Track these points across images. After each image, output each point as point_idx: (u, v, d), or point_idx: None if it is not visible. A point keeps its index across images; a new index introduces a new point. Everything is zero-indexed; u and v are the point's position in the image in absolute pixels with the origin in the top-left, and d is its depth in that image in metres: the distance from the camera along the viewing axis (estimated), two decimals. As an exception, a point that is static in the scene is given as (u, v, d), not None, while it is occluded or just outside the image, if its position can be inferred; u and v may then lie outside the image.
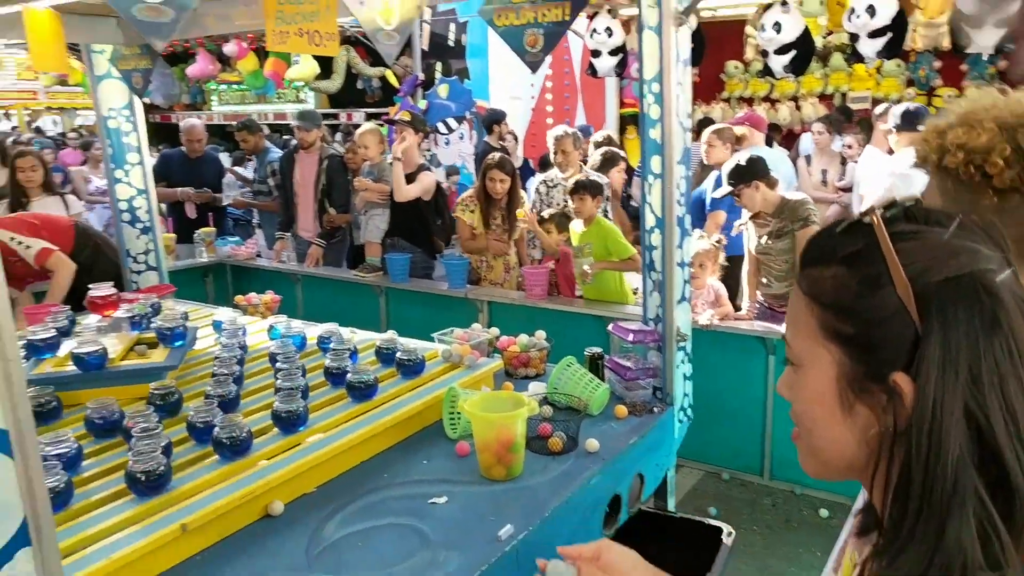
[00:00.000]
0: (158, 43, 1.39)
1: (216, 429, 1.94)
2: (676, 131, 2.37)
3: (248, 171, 6.60)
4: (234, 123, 11.22)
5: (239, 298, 3.50)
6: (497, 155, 4.55)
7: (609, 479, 2.22)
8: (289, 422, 2.09)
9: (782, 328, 3.24)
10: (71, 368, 2.31)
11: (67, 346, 2.43)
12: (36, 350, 2.45)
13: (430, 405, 2.38)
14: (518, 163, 5.11)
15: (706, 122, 6.27)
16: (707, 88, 9.07)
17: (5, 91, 16.84)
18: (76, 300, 3.15)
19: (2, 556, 0.84)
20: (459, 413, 2.31)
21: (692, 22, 2.39)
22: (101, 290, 2.54)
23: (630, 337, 2.54)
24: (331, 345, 2.67)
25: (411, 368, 2.52)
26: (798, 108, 8.73)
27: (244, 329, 2.88)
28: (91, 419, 2.08)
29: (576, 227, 4.25)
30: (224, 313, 3.25)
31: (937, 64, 7.90)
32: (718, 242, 4.12)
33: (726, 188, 3.91)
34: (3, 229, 3.52)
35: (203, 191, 5.70)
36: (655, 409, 2.55)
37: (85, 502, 1.77)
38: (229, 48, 9.73)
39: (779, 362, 3.62)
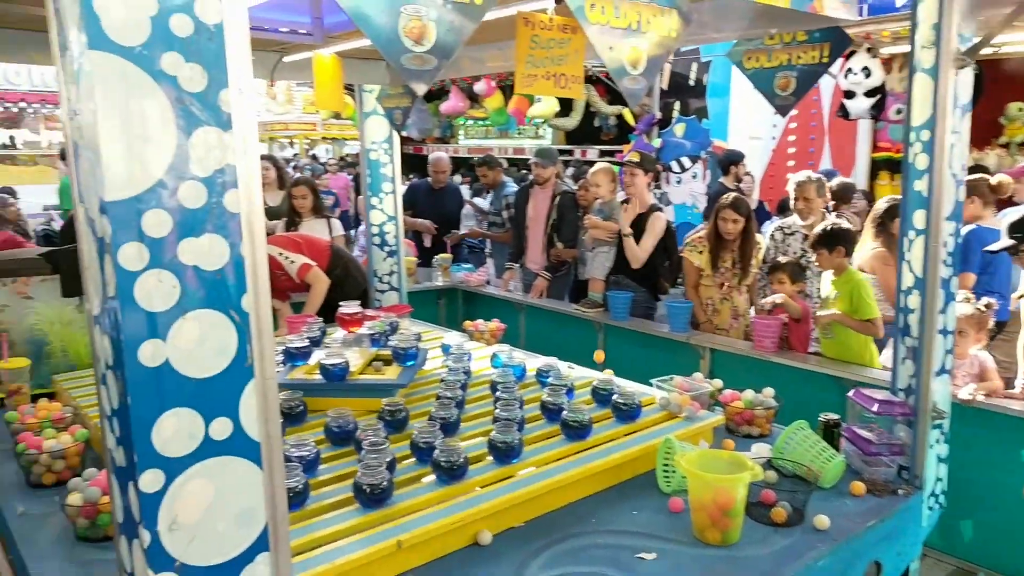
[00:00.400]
0: (419, 88, 1.49)
1: (436, 451, 2.01)
2: (947, 184, 2.10)
3: (485, 203, 6.97)
4: (476, 157, 12.04)
5: (468, 323, 3.66)
6: (732, 195, 4.38)
7: (839, 562, 1.99)
8: (504, 453, 2.13)
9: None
10: (318, 377, 2.54)
11: (316, 356, 2.68)
12: (292, 357, 2.73)
13: (644, 453, 2.30)
14: (753, 206, 4.86)
15: (976, 170, 5.55)
16: (980, 132, 8.07)
17: (292, 123, 19.48)
18: (327, 311, 3.48)
19: (245, 557, 0.91)
20: (674, 467, 2.21)
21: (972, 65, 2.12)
22: (350, 307, 2.79)
23: (875, 407, 2.27)
24: (549, 380, 2.70)
25: (627, 413, 2.46)
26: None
27: (469, 355, 3.00)
28: (330, 427, 2.26)
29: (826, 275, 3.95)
30: (453, 337, 3.42)
31: None
32: (987, 306, 3.59)
33: (1005, 241, 3.37)
34: (273, 245, 4.01)
35: (425, 223, 6.13)
36: (900, 491, 2.25)
37: (317, 505, 1.91)
38: (479, 86, 10.41)
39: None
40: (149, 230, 0.81)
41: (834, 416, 2.43)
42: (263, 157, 5.71)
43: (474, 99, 11.34)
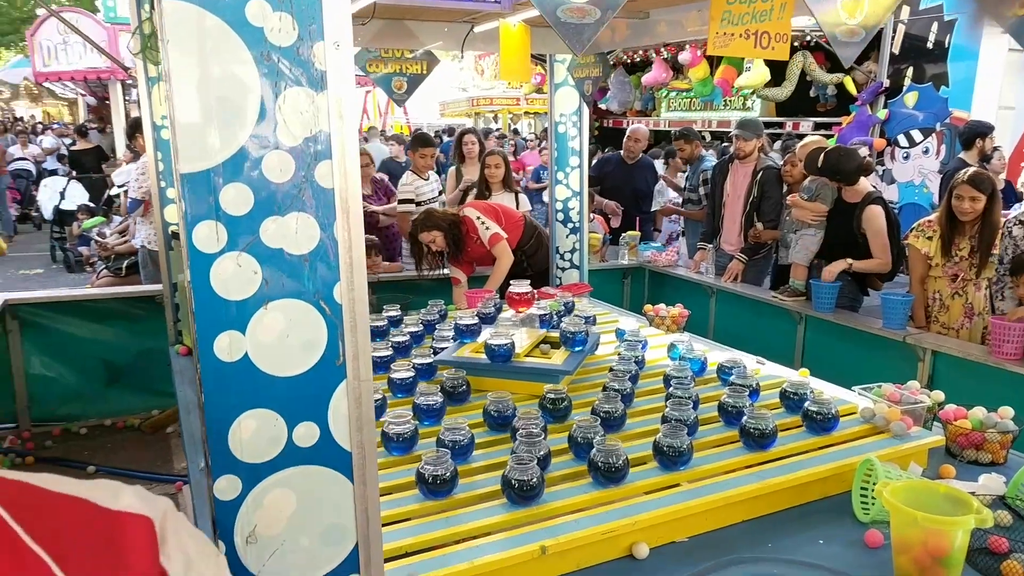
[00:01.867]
0: (577, 46, 1.30)
1: (594, 451, 1.85)
2: None
3: (681, 180, 6.61)
4: (675, 130, 11.54)
5: (648, 307, 3.44)
6: (971, 169, 3.71)
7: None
8: (671, 458, 1.92)
9: None
10: (482, 356, 2.47)
11: (485, 334, 2.61)
12: (461, 333, 2.68)
13: (837, 472, 1.98)
14: (1000, 187, 4.07)
15: None
16: None
17: (496, 98, 19.95)
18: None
19: (331, 578, 0.81)
20: (875, 494, 1.87)
21: None
22: (520, 286, 2.69)
23: None
24: (732, 377, 2.42)
25: (821, 423, 2.14)
26: None
27: (645, 343, 2.79)
28: (488, 411, 2.17)
29: None
30: (629, 322, 3.22)
31: None
32: None
33: None
34: (473, 208, 4.01)
35: (611, 204, 5.90)
36: None
37: (466, 495, 1.82)
38: (683, 56, 9.92)
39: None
40: (228, 207, 0.72)
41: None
42: (467, 132, 5.79)
43: (678, 70, 10.88)
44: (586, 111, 4.23)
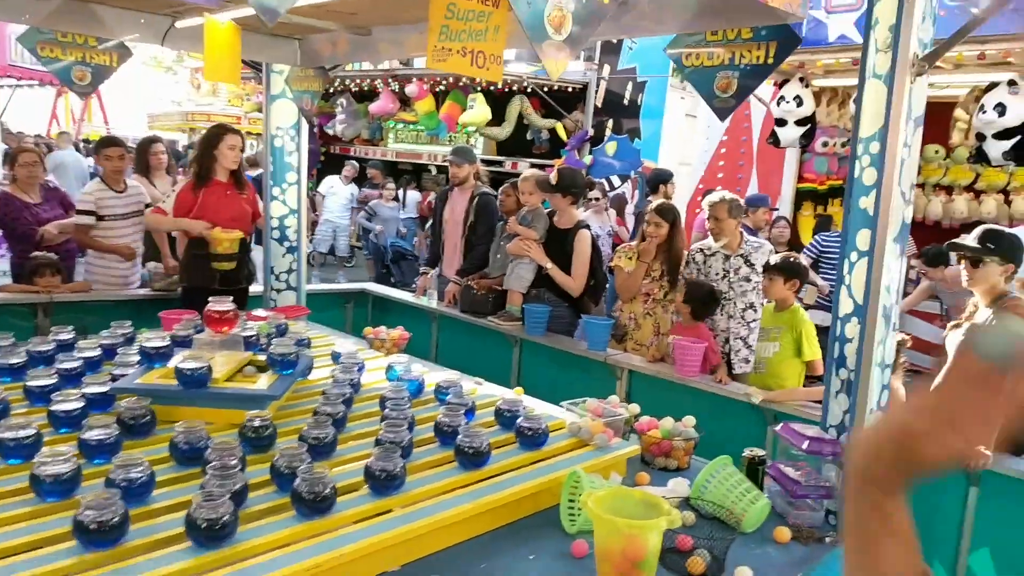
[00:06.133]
0: (268, 16, 1.17)
1: (298, 480, 1.67)
2: (896, 202, 1.90)
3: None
4: (407, 162, 11.64)
5: (368, 330, 3.32)
6: (659, 200, 4.21)
7: (759, 623, 1.74)
8: (383, 482, 1.80)
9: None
10: (173, 382, 2.15)
11: (179, 358, 2.29)
12: (149, 358, 2.33)
13: (548, 487, 2.01)
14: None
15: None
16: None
17: (215, 114, 18.55)
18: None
19: None
20: (581, 505, 1.92)
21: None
22: (221, 304, 2.39)
23: (804, 444, 2.05)
24: (449, 397, 2.38)
25: (532, 439, 2.17)
26: (1007, 202, 7.66)
27: (362, 365, 2.65)
28: (176, 443, 1.88)
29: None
30: (347, 345, 3.07)
31: None
32: (902, 341, 3.46)
33: (972, 244, 3.02)
34: None
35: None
36: (827, 539, 2.03)
37: (141, 541, 1.54)
38: (410, 89, 10.07)
39: (982, 496, 2.92)
40: None
41: (760, 452, 2.20)
42: (155, 140, 5.17)
43: (405, 102, 11.03)
44: (305, 126, 4.03)
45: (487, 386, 2.85)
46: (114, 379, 2.27)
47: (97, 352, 2.53)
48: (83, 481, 1.72)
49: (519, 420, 2.20)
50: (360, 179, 11.21)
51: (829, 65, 7.15)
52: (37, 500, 1.68)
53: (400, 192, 11.00)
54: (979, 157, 6.40)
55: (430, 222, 5.61)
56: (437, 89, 10.19)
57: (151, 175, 4.78)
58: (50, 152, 9.52)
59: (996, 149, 6.03)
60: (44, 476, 1.64)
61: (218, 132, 3.72)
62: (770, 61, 2.21)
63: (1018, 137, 5.89)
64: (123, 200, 4.24)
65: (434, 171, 12.07)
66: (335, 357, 2.83)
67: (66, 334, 2.67)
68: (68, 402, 2.02)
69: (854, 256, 1.98)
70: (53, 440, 1.96)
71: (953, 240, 3.26)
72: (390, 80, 10.61)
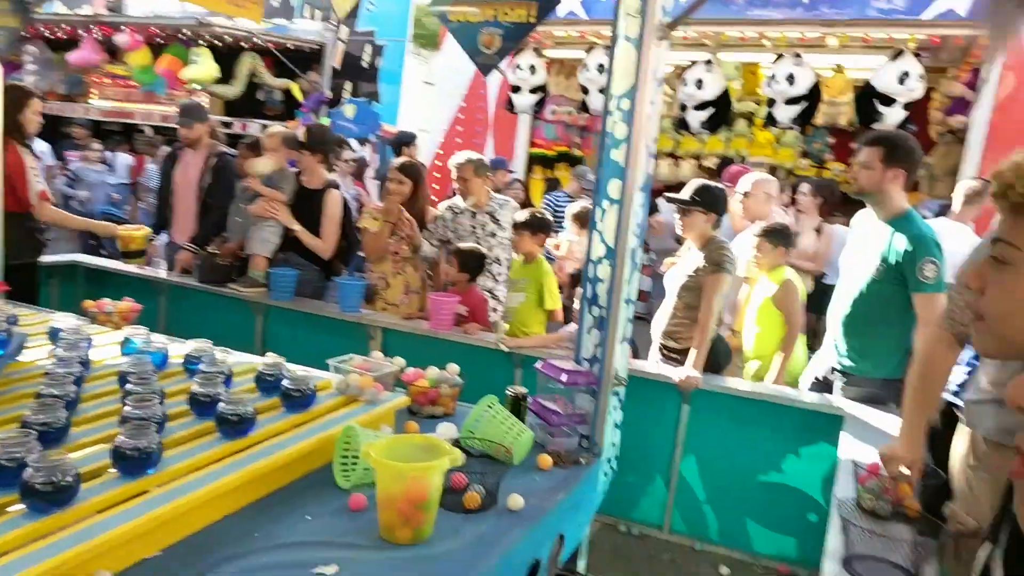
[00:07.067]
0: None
1: (29, 470, 1.44)
2: (642, 155, 2.09)
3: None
4: (115, 121, 10.32)
5: (88, 303, 2.94)
6: (402, 159, 4.25)
7: (532, 543, 1.87)
8: (135, 462, 1.61)
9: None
10: None
11: None
12: None
13: (318, 447, 1.95)
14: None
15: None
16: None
17: None
18: None
19: None
20: (354, 458, 1.89)
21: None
22: None
23: (564, 377, 2.21)
24: (201, 366, 2.19)
25: (299, 400, 2.08)
26: (701, 167, 8.76)
27: (89, 341, 2.34)
28: None
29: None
30: (65, 320, 2.69)
31: (831, 140, 8.17)
32: None
33: (683, 198, 3.60)
34: None
35: None
36: (582, 460, 2.21)
37: None
38: (121, 38, 8.90)
39: (693, 411, 3.38)
40: None
41: (522, 389, 2.32)
42: None
43: (113, 53, 9.73)
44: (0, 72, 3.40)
45: (236, 356, 2.67)
46: None
47: None
48: None
49: (284, 382, 2.10)
50: (54, 138, 9.76)
51: (560, 38, 7.62)
52: None
53: (109, 155, 9.78)
54: (680, 125, 7.26)
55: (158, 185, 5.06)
56: (154, 41, 9.15)
57: None
58: None
59: (695, 119, 6.89)
60: None
61: None
62: (532, 19, 2.30)
63: (712, 109, 6.79)
64: None
65: (149, 131, 10.86)
66: (53, 335, 2.46)
67: None
68: None
69: (606, 204, 2.15)
70: None
71: (668, 193, 3.80)
72: (92, 27, 9.31)
